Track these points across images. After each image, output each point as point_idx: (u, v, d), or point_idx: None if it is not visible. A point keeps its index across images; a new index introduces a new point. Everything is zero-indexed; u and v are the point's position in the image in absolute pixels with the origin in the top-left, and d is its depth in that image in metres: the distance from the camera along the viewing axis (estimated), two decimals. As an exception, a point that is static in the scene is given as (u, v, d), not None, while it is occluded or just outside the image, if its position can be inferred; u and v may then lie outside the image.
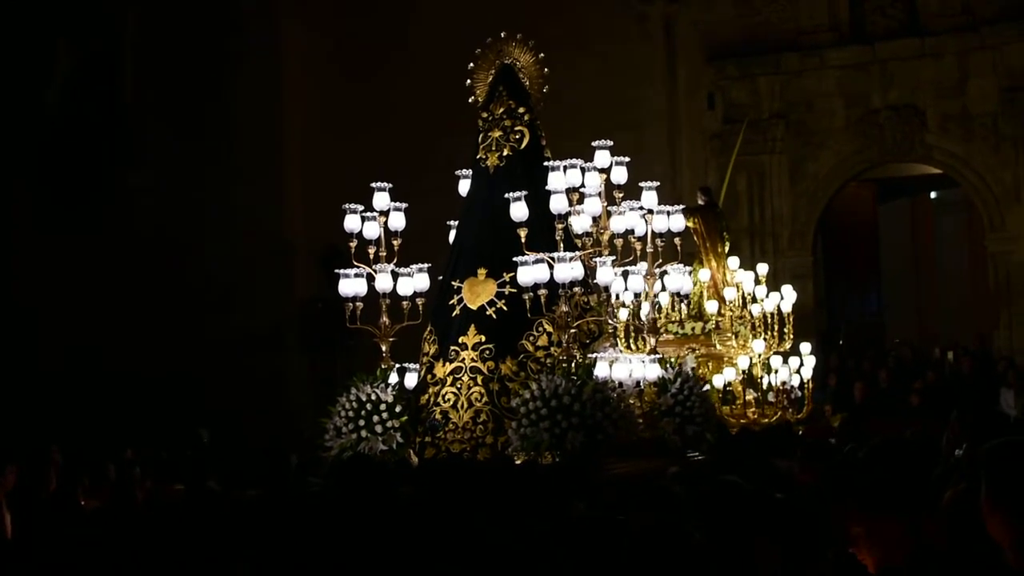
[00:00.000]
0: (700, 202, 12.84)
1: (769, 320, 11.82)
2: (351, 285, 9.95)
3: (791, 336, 11.75)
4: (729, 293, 11.06)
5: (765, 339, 11.62)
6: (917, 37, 18.02)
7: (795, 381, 12.40)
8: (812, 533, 4.40)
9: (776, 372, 11.98)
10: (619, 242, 9.95)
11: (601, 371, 9.44)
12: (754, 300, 11.61)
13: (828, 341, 19.05)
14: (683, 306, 10.30)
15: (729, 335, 11.21)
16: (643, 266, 9.63)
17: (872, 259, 20.00)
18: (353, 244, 10.04)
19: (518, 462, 8.87)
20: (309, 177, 19.29)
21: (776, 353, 11.97)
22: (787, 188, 18.73)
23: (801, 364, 12.49)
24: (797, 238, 18.73)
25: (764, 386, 12.09)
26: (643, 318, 9.92)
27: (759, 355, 11.51)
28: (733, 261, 11.14)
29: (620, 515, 5.94)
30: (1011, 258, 17.81)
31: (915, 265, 23.44)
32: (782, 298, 11.97)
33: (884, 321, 20.43)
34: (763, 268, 12.13)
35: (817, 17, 18.53)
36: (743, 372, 11.85)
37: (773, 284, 18.39)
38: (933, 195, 23.14)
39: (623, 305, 9.81)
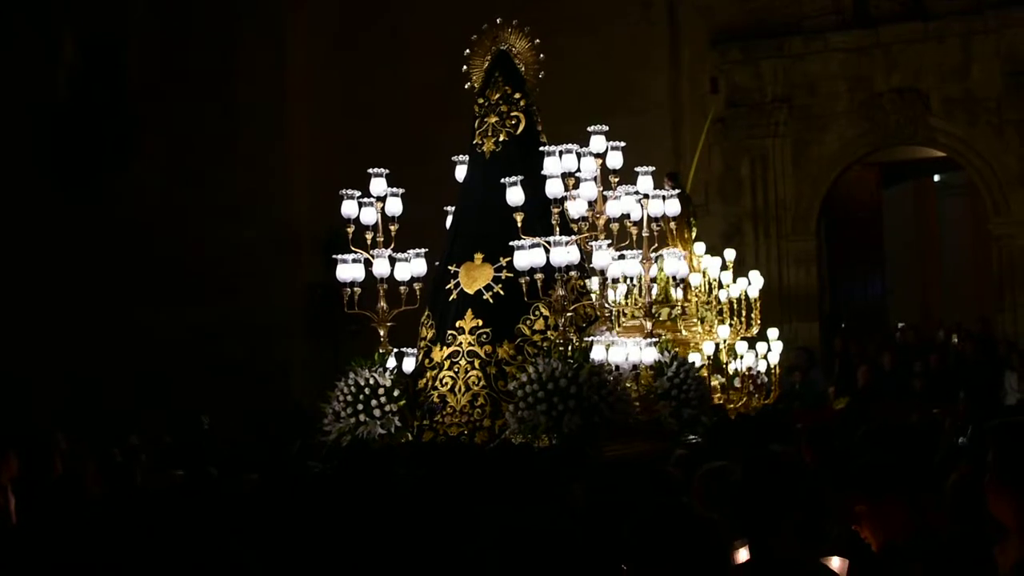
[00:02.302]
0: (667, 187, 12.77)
1: (736, 306, 11.78)
2: (349, 270, 10.03)
3: (758, 322, 11.75)
4: (695, 279, 11.03)
5: (731, 325, 11.60)
6: (920, 21, 17.99)
7: (762, 366, 12.41)
8: (819, 513, 4.45)
9: (742, 358, 11.97)
10: (615, 226, 9.99)
11: (597, 354, 9.50)
12: (720, 286, 11.57)
13: (832, 325, 19.09)
14: (653, 290, 10.29)
15: (695, 321, 11.19)
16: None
17: (876, 243, 19.98)
18: (351, 230, 10.10)
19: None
20: (313, 164, 19.35)
21: (743, 339, 11.95)
22: (790, 172, 18.73)
23: (768, 349, 12.49)
24: (800, 222, 18.74)
25: (730, 371, 12.09)
26: (608, 303, 9.95)
27: (724, 341, 11.50)
28: (699, 246, 11.11)
29: (617, 497, 6.00)
30: (1014, 242, 17.81)
31: (919, 248, 23.42)
32: (749, 283, 11.94)
33: (887, 304, 20.45)
34: (730, 254, 12.06)
35: (820, 0, 18.51)
36: (708, 358, 11.84)
37: (776, 268, 18.64)
38: (937, 178, 23.13)
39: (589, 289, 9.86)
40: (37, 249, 17.87)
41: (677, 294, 11.85)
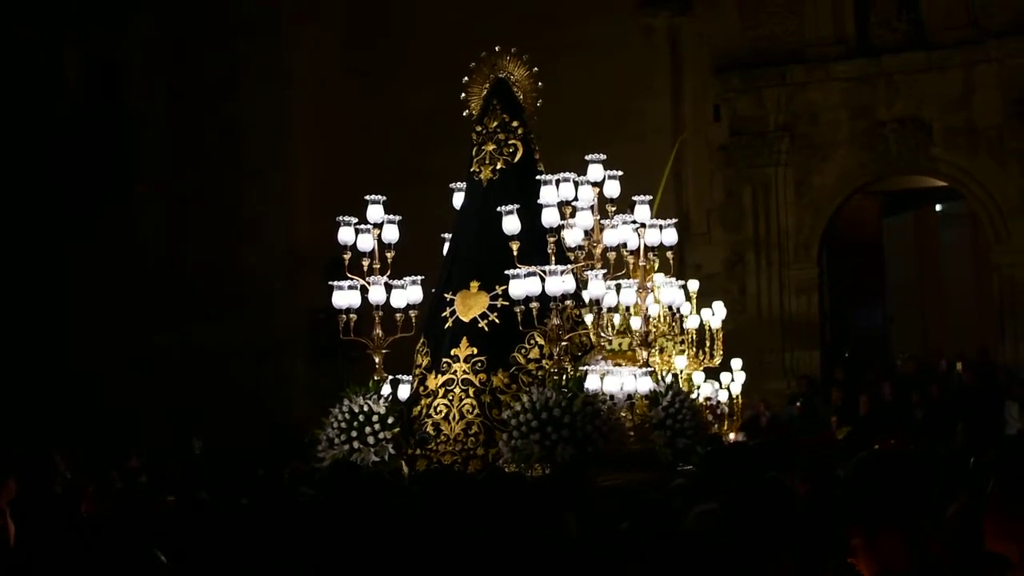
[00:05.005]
0: None
1: (696, 336, 11.69)
2: (344, 297, 10.04)
3: (720, 352, 11.71)
4: (653, 309, 10.98)
5: (691, 355, 11.53)
6: (923, 50, 18.03)
7: (723, 396, 12.37)
8: (818, 545, 4.42)
9: (699, 388, 11.91)
10: (611, 255, 9.98)
11: (592, 384, 9.47)
12: (680, 316, 11.52)
13: (833, 354, 19.05)
14: (615, 320, 10.23)
15: (654, 351, 11.13)
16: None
17: (877, 271, 19.98)
18: (347, 256, 10.11)
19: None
20: (316, 185, 19.36)
21: (706, 369, 11.89)
22: (792, 200, 18.76)
23: (732, 380, 12.46)
24: (802, 251, 18.75)
25: None
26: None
27: (682, 371, 11.45)
28: (659, 277, 11.04)
29: (611, 526, 5.96)
30: (1015, 271, 17.81)
31: (920, 278, 23.38)
32: (713, 314, 11.89)
33: (889, 333, 20.41)
34: (694, 284, 11.98)
35: (823, 30, 18.56)
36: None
37: (778, 296, 18.62)
38: (938, 208, 23.12)
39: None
40: (37, 268, 17.90)
41: (635, 324, 11.71)
